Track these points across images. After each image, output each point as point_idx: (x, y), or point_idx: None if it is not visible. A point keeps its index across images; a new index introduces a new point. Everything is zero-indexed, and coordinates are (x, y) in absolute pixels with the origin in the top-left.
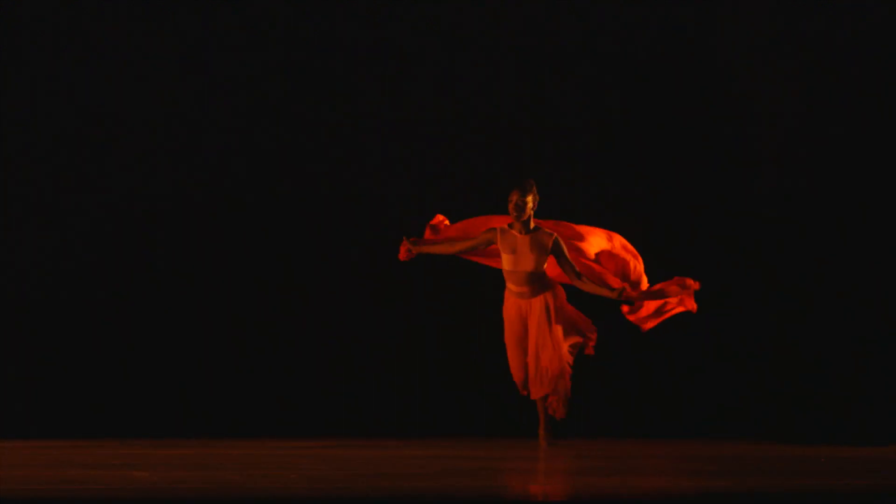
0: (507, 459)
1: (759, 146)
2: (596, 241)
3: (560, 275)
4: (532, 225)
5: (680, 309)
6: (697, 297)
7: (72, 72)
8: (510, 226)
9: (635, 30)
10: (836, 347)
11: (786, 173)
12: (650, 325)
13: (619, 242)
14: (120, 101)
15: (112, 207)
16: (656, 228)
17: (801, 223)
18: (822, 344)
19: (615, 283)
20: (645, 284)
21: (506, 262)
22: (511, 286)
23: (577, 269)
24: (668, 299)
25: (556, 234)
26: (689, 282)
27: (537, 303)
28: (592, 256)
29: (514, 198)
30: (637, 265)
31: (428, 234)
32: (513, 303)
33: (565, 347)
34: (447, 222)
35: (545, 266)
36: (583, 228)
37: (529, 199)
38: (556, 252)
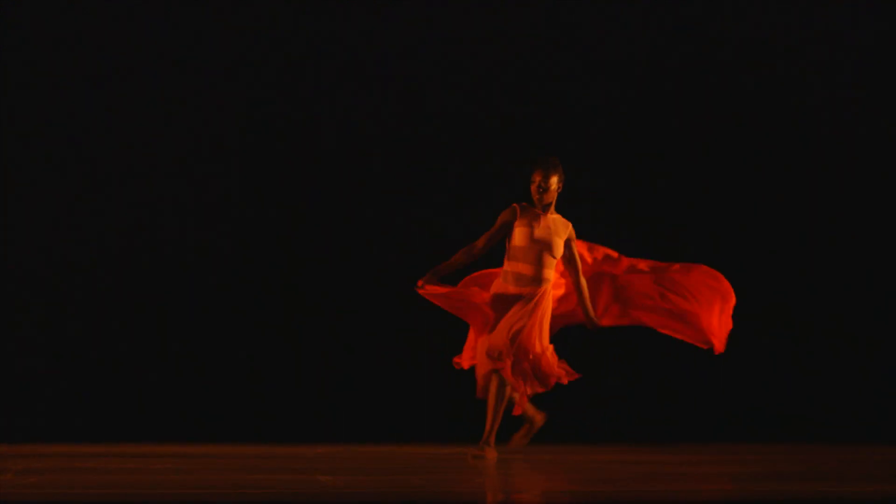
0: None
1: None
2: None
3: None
4: (554, 209)
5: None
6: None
7: (75, 72)
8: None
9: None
10: None
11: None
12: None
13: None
14: (120, 100)
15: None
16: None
17: None
18: None
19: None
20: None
21: (520, 237)
22: (517, 266)
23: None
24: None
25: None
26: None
27: (539, 293)
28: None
29: (538, 179)
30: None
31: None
32: (507, 288)
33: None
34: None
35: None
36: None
37: (554, 180)
38: (570, 241)
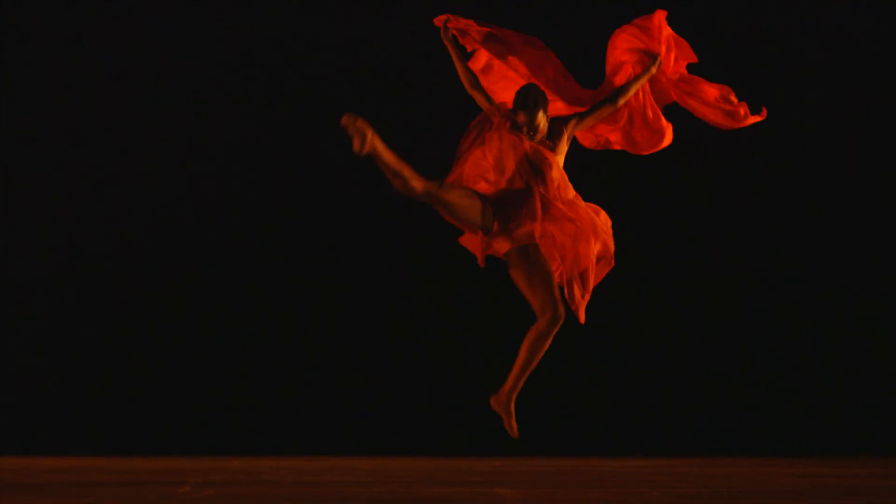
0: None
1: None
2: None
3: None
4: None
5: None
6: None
7: (74, 71)
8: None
9: None
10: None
11: None
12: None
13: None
14: (120, 100)
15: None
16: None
17: None
18: None
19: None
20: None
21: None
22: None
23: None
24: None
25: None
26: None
27: None
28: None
29: (524, 120)
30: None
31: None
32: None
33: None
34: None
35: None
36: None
37: (541, 115)
38: (581, 115)
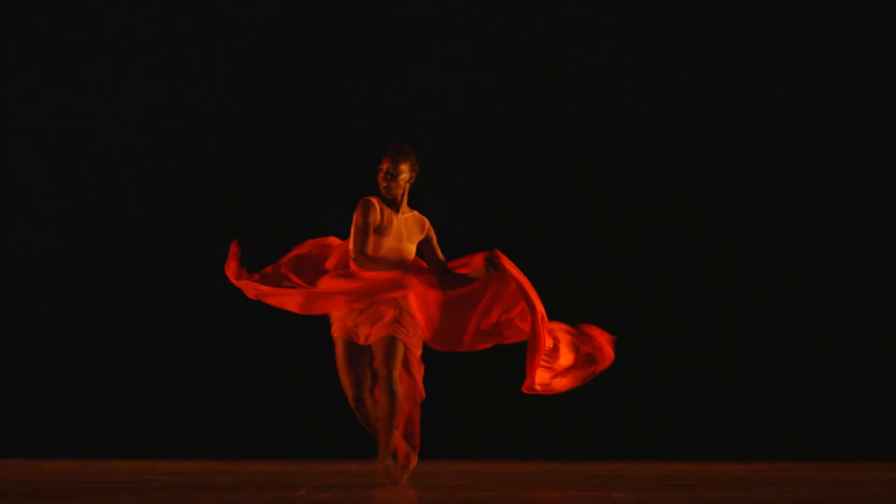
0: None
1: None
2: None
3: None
4: (406, 204)
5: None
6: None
7: (72, 69)
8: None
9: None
10: None
11: None
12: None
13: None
14: (120, 100)
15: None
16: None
17: None
18: None
19: (478, 262)
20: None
21: (372, 245)
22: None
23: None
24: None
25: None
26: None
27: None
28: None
29: (385, 165)
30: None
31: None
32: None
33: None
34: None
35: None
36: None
37: (405, 168)
38: (429, 236)
